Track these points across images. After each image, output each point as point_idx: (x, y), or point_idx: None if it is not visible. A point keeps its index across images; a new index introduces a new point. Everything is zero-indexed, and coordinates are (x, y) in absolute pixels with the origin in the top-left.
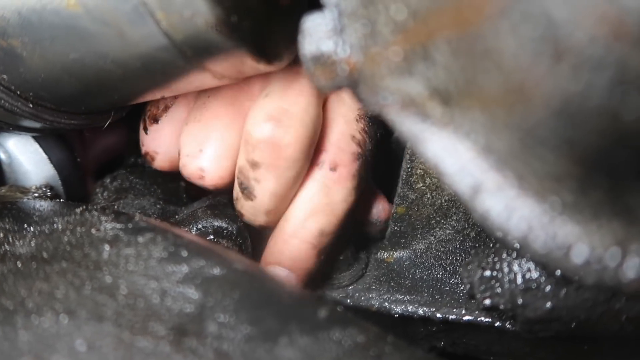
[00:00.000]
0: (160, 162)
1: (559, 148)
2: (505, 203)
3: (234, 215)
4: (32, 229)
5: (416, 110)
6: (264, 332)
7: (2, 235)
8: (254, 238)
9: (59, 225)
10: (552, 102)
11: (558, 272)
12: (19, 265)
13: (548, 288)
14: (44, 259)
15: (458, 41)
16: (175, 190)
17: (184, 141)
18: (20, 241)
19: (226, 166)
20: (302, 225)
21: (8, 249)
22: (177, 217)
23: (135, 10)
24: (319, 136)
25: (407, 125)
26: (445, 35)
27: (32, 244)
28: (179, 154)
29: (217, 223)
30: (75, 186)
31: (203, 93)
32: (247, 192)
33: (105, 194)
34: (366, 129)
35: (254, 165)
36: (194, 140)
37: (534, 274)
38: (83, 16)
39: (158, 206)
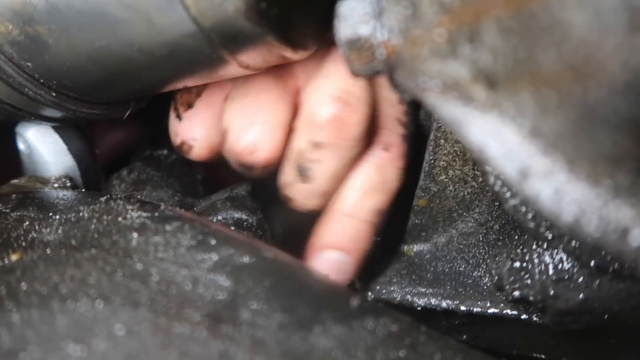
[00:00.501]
0: (199, 149)
1: (619, 127)
2: (555, 187)
3: (253, 207)
4: (57, 217)
5: (458, 94)
6: (297, 320)
7: (28, 223)
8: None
9: (85, 213)
10: (620, 78)
11: (592, 263)
12: (49, 252)
13: (581, 279)
14: (72, 246)
15: (512, 19)
16: (191, 182)
17: (231, 117)
18: (47, 229)
19: (278, 139)
20: (360, 204)
21: (35, 236)
22: (195, 209)
23: None
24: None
25: (447, 109)
26: (497, 14)
27: (60, 231)
28: (222, 136)
29: (237, 215)
30: (93, 177)
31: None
32: (305, 174)
33: (122, 185)
34: (409, 111)
35: (317, 146)
36: (243, 115)
37: (566, 265)
38: (112, 2)
39: (176, 198)
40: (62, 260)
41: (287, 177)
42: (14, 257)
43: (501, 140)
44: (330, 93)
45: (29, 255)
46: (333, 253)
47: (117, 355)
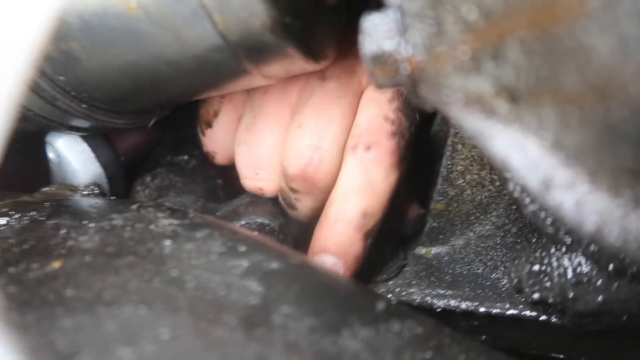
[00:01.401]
0: (220, 159)
1: None
2: (577, 198)
3: (275, 211)
4: (92, 225)
5: (481, 108)
6: (326, 323)
7: (64, 231)
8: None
9: (118, 221)
10: None
11: (611, 266)
12: (88, 260)
13: (600, 281)
14: (110, 254)
15: (535, 40)
16: (212, 188)
17: (238, 163)
18: (84, 237)
19: (278, 182)
20: (345, 208)
21: (74, 244)
22: (217, 214)
23: (193, 12)
24: (352, 123)
25: (470, 122)
26: (521, 35)
27: (96, 239)
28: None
29: (259, 219)
30: (119, 184)
31: (249, 111)
32: (290, 205)
33: (146, 191)
34: (401, 107)
35: (293, 190)
36: (247, 164)
37: (585, 268)
38: (142, 19)
39: (199, 203)
40: (102, 268)
41: (280, 200)
42: (56, 265)
43: (524, 153)
44: (299, 149)
45: (69, 262)
46: (325, 257)
47: (164, 358)
